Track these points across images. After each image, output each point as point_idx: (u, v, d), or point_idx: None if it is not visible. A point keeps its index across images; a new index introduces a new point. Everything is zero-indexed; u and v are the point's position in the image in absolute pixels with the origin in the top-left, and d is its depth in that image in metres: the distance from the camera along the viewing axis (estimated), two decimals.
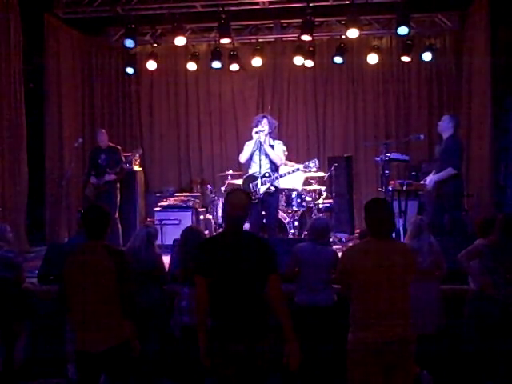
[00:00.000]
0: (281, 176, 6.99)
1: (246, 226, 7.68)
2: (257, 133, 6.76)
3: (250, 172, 6.98)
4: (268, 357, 3.46)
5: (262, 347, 3.43)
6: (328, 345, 4.78)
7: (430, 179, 6.61)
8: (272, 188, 6.83)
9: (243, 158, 6.99)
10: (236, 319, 3.44)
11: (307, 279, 4.94)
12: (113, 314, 3.61)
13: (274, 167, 6.92)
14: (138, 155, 8.90)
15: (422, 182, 7.01)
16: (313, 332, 4.88)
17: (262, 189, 6.71)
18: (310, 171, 7.64)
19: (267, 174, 6.80)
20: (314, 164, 7.25)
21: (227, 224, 3.65)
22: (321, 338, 4.85)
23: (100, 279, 3.58)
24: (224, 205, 3.96)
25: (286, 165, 7.87)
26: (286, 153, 8.28)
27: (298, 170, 7.48)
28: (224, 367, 3.43)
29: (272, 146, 6.88)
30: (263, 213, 6.83)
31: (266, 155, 6.83)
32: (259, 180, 6.69)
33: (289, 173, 7.33)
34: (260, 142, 6.73)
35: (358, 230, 8.59)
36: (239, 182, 7.30)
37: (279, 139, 7.16)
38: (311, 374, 4.94)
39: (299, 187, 8.14)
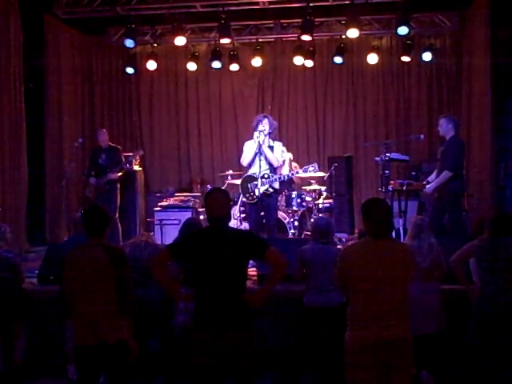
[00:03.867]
0: (279, 178, 6.99)
1: (246, 225, 7.71)
2: (258, 135, 6.75)
3: (250, 172, 6.97)
4: (245, 351, 3.48)
5: (235, 338, 3.44)
6: (338, 345, 4.77)
7: (429, 187, 6.61)
8: (270, 189, 6.83)
9: (246, 161, 6.96)
10: (212, 306, 3.48)
11: (315, 280, 4.92)
12: (112, 313, 3.63)
13: (273, 168, 6.92)
14: (138, 156, 8.89)
15: (423, 183, 7.01)
16: (322, 333, 4.87)
17: (261, 189, 6.71)
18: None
19: (266, 175, 6.79)
20: (313, 168, 7.26)
21: (209, 224, 3.66)
22: (330, 338, 4.83)
23: (98, 278, 3.60)
24: (204, 206, 3.95)
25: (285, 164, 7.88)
26: (287, 153, 8.30)
27: (298, 173, 7.50)
28: (196, 355, 3.48)
29: (271, 147, 6.88)
30: (262, 213, 6.82)
31: (266, 156, 6.82)
32: (259, 181, 6.69)
33: (288, 176, 7.34)
34: (259, 143, 6.73)
35: (357, 230, 8.60)
36: (239, 182, 7.30)
37: (279, 139, 7.15)
38: (319, 374, 4.96)
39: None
